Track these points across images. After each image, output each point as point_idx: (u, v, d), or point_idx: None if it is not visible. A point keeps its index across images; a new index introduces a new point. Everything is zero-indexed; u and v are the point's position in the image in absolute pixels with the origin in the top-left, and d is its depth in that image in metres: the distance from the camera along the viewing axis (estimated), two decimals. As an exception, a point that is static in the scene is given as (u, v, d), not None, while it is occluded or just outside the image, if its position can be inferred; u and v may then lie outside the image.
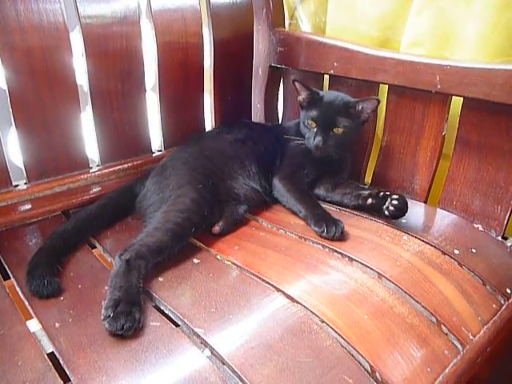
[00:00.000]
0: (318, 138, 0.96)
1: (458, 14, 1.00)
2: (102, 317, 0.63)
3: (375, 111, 1.02)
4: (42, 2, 0.89)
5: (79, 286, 0.74)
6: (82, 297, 0.71)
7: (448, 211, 0.97)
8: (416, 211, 0.99)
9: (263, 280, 0.74)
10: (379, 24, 1.15)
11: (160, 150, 1.16)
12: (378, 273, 0.76)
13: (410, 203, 0.99)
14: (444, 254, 0.83)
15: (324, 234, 0.84)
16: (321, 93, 1.02)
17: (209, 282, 0.74)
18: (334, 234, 0.83)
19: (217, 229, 0.88)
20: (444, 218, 0.96)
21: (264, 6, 1.19)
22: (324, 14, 1.26)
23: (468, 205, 0.95)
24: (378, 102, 0.97)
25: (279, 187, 0.99)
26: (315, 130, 0.98)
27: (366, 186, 1.12)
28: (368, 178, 1.14)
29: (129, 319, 0.62)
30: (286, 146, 1.05)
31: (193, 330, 0.63)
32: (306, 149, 1.00)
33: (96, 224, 0.91)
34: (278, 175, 1.00)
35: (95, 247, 0.88)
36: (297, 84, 1.02)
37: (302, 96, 1.03)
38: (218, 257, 0.82)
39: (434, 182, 1.00)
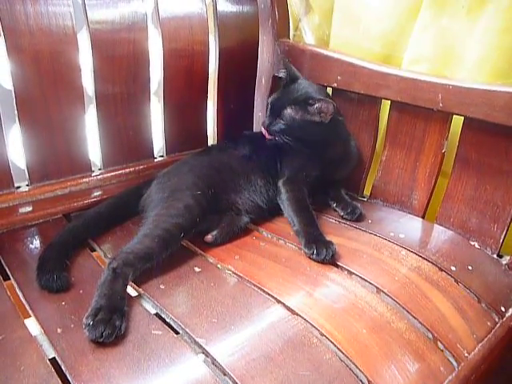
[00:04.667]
0: (266, 120, 1.03)
1: (461, 35, 1.02)
2: (83, 325, 0.64)
3: (332, 115, 0.99)
4: (51, 5, 0.89)
5: (80, 292, 0.75)
6: (84, 302, 0.71)
7: (445, 227, 0.99)
8: (414, 226, 1.01)
9: (264, 291, 0.75)
10: (382, 40, 1.17)
11: (162, 156, 1.17)
12: (376, 287, 0.77)
13: (408, 218, 1.02)
14: (441, 270, 0.84)
15: (314, 256, 0.82)
16: (299, 80, 1.06)
17: (210, 291, 0.75)
18: (324, 257, 0.82)
19: (209, 238, 0.89)
20: (441, 234, 0.98)
21: (270, 16, 1.20)
22: (328, 27, 1.27)
23: (465, 222, 0.96)
24: (334, 106, 0.97)
25: (282, 192, 0.99)
26: (268, 112, 1.04)
27: (365, 199, 1.14)
28: (367, 191, 1.15)
29: (108, 326, 0.63)
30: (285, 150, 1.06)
31: (194, 340, 0.64)
32: (303, 149, 1.02)
33: (100, 226, 0.93)
34: (281, 179, 1.01)
35: (95, 250, 0.89)
36: (283, 60, 1.10)
37: (281, 74, 1.09)
38: (219, 266, 0.83)
39: (432, 198, 1.02)
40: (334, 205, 1.04)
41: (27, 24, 0.87)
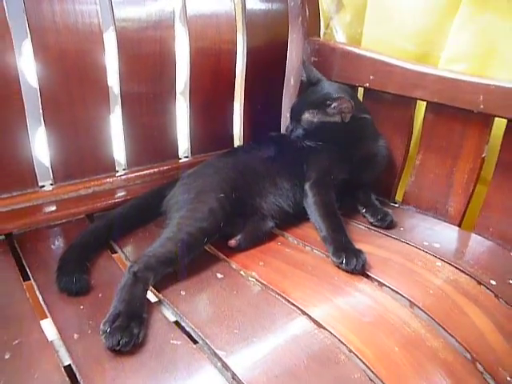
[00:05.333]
0: (288, 126, 1.02)
1: (503, 32, 0.96)
2: (100, 332, 0.61)
3: (351, 114, 0.95)
4: (78, 3, 0.88)
5: (99, 295, 0.73)
6: (103, 306, 0.69)
7: (484, 237, 0.93)
8: (449, 235, 0.95)
9: (288, 301, 0.71)
10: (417, 38, 1.12)
11: (187, 157, 1.15)
12: (409, 301, 0.72)
13: (444, 226, 0.97)
14: (479, 283, 0.78)
15: (343, 265, 0.78)
16: (322, 82, 1.03)
17: (232, 299, 0.72)
18: (355, 267, 0.77)
19: (233, 242, 0.85)
20: (479, 245, 0.91)
21: (300, 14, 1.16)
22: (360, 26, 1.22)
23: (505, 232, 0.90)
24: (352, 104, 0.93)
25: (308, 196, 0.95)
26: (289, 118, 1.03)
27: (397, 205, 1.08)
28: (399, 196, 1.10)
29: (125, 334, 0.60)
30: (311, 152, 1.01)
31: (214, 352, 0.60)
32: (329, 151, 0.98)
33: (122, 227, 0.91)
34: (308, 182, 0.97)
35: (116, 252, 0.87)
36: (304, 64, 1.08)
37: (303, 77, 1.06)
38: (242, 272, 0.79)
39: (470, 206, 0.96)
40: (364, 210, 0.99)
41: (54, 22, 0.86)
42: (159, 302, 0.73)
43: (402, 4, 1.11)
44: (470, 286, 0.77)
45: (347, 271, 0.78)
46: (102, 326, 0.62)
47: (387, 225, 0.94)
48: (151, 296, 0.74)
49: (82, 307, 0.70)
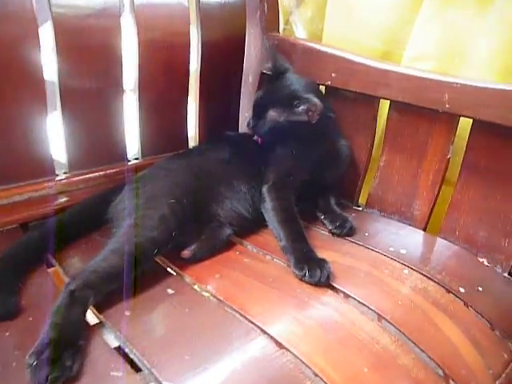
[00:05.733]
0: (250, 121, 0.96)
1: (468, 28, 0.93)
2: (26, 365, 0.52)
3: (319, 115, 0.89)
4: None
5: (30, 319, 0.63)
6: (33, 333, 0.59)
7: (450, 241, 0.89)
8: (415, 240, 0.91)
9: (246, 318, 0.64)
10: (381, 35, 1.08)
11: (137, 158, 1.05)
12: (377, 313, 0.66)
13: (409, 230, 0.93)
14: (448, 291, 0.74)
15: (306, 278, 0.71)
16: (288, 74, 0.96)
17: (184, 318, 0.64)
18: (319, 279, 0.70)
19: (187, 253, 0.78)
20: (446, 249, 0.88)
21: (258, 8, 1.09)
22: (321, 22, 1.17)
23: (472, 236, 0.87)
24: (322, 106, 0.87)
25: (266, 200, 0.88)
26: (252, 112, 0.96)
27: (360, 208, 1.04)
28: (363, 199, 1.05)
29: (55, 368, 0.51)
30: (270, 152, 0.95)
31: None
32: (290, 150, 0.92)
33: (61, 238, 0.81)
34: (266, 184, 0.90)
35: (54, 266, 0.77)
36: (270, 51, 0.99)
37: (267, 66, 0.98)
38: (196, 287, 0.72)
39: (435, 208, 0.92)
40: (322, 217, 0.93)
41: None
42: (100, 324, 0.64)
43: (364, -1, 1.07)
44: (439, 295, 0.73)
45: (311, 284, 0.72)
46: (27, 358, 0.53)
47: (346, 232, 0.88)
48: (91, 317, 0.65)
49: (7, 334, 0.60)
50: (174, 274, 0.76)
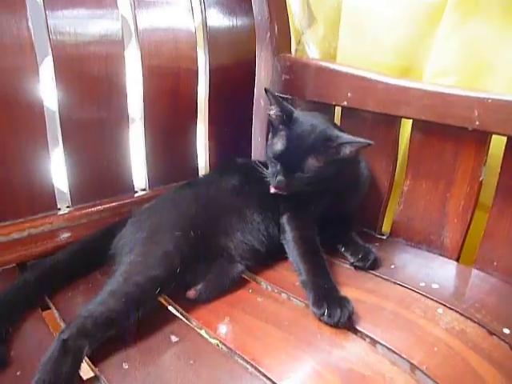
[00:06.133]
0: (280, 178, 0.79)
1: (494, 40, 0.86)
2: None
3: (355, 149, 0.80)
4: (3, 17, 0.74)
5: (18, 373, 0.57)
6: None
7: (487, 273, 0.80)
8: (448, 272, 0.82)
9: (259, 371, 0.56)
10: (397, 51, 1.01)
11: (144, 189, 1.00)
12: (410, 363, 0.58)
13: (440, 261, 0.84)
14: (491, 333, 0.65)
15: (325, 318, 0.64)
16: (295, 114, 0.83)
17: (188, 372, 0.56)
18: (339, 319, 0.63)
19: (192, 293, 0.71)
20: (483, 283, 0.78)
21: (268, 29, 1.05)
22: (335, 40, 1.12)
23: (512, 267, 0.78)
24: (356, 145, 0.78)
25: (286, 231, 0.81)
26: (278, 167, 0.80)
27: (385, 237, 0.95)
28: (386, 227, 0.97)
29: None
30: None
31: None
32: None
33: (59, 278, 0.76)
34: (285, 215, 0.83)
35: (49, 308, 0.71)
36: (269, 95, 0.84)
37: (274, 111, 0.84)
38: (203, 332, 0.64)
39: (469, 236, 0.83)
40: (343, 249, 0.85)
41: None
42: (95, 378, 0.57)
43: (379, 15, 1.01)
44: (480, 338, 0.64)
45: (331, 325, 0.64)
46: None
47: (370, 265, 0.80)
48: (85, 369, 0.58)
49: (-9, 392, 0.53)
50: (180, 316, 0.69)
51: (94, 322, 0.59)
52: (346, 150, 0.78)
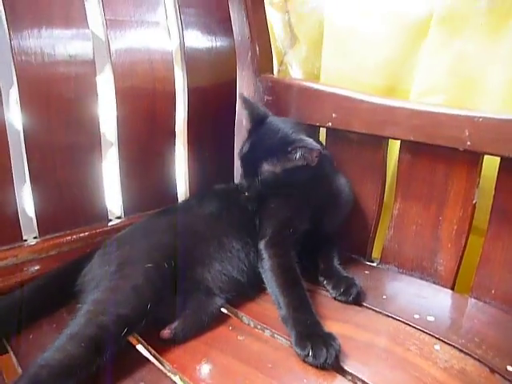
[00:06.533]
0: (243, 183, 0.82)
1: (481, 57, 0.83)
2: None
3: (318, 156, 0.78)
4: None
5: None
6: None
7: (485, 302, 0.75)
8: (443, 303, 0.77)
9: (238, 424, 0.50)
10: (382, 71, 0.98)
11: (119, 217, 0.94)
12: (406, 410, 0.52)
13: (434, 290, 0.78)
14: (493, 371, 0.59)
15: (309, 359, 0.58)
16: (269, 119, 0.84)
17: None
18: (325, 360, 0.57)
19: (167, 333, 0.65)
20: (481, 313, 0.73)
21: (249, 49, 1.01)
22: (318, 60, 1.09)
23: (511, 295, 0.72)
24: (320, 149, 0.76)
25: (264, 258, 0.76)
26: (242, 171, 0.83)
27: (374, 263, 0.90)
28: (376, 253, 0.92)
29: None
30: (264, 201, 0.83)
31: None
32: (285, 197, 0.80)
33: (19, 319, 0.68)
34: (263, 240, 0.78)
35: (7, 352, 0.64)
36: (241, 99, 0.86)
37: (245, 118, 0.85)
38: (177, 379, 0.58)
39: (463, 262, 0.78)
40: (324, 282, 0.79)
41: None
42: None
43: (362, 34, 0.98)
44: (482, 378, 0.58)
45: (316, 366, 0.58)
46: None
47: (352, 299, 0.74)
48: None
49: None
50: (151, 358, 0.62)
51: (49, 372, 0.53)
52: (297, 155, 0.76)
